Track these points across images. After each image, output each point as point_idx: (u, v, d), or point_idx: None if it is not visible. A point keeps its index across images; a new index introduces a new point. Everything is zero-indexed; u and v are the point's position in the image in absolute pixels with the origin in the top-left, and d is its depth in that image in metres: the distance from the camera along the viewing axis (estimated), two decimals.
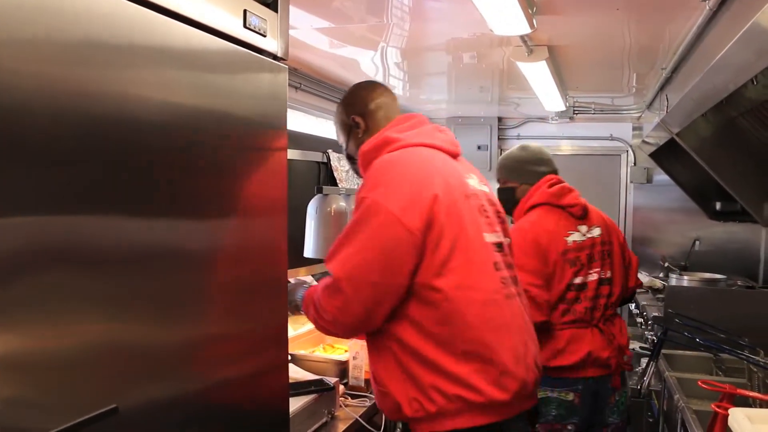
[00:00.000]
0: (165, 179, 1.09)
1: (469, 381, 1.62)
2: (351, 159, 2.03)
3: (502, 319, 1.69)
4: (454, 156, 1.88)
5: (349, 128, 1.97)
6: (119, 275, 0.99)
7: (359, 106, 1.96)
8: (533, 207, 2.60)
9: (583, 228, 2.61)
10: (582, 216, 2.62)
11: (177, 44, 1.11)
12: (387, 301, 1.63)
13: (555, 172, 2.69)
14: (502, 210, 1.95)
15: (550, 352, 2.48)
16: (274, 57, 1.41)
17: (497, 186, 2.70)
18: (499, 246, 1.81)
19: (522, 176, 2.66)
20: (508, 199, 2.63)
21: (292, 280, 1.99)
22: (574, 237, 2.57)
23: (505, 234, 1.90)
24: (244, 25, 1.28)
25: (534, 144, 2.79)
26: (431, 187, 1.66)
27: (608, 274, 2.63)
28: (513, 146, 2.87)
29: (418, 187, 1.65)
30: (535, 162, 2.67)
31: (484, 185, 1.90)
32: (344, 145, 2.02)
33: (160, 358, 1.08)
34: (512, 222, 2.62)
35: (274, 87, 1.41)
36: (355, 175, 2.11)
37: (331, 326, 1.72)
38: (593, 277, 2.58)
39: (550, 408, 2.59)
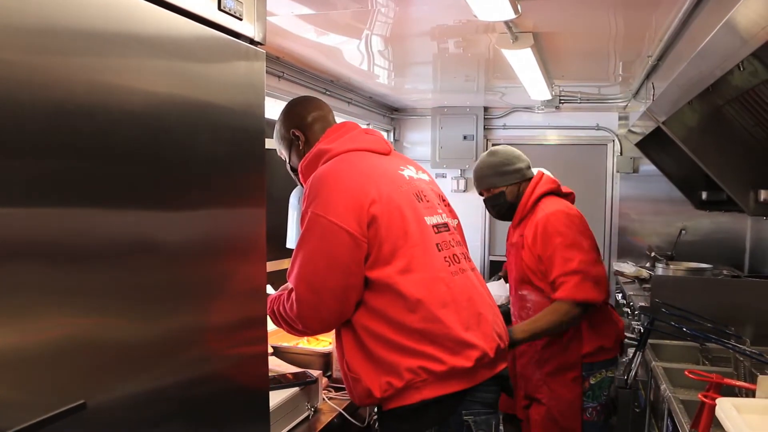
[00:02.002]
0: (137, 170, 1.05)
1: (430, 353, 1.74)
2: (295, 172, 2.11)
3: (450, 295, 1.81)
4: (386, 153, 2.01)
5: (290, 142, 2.08)
6: (89, 268, 0.96)
7: (297, 120, 2.07)
8: (542, 197, 2.69)
9: None
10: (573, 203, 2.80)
11: (147, 27, 1.06)
12: (350, 297, 1.78)
13: (529, 165, 2.80)
14: (443, 194, 2.12)
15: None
16: (251, 42, 1.36)
17: (483, 197, 2.76)
18: (444, 226, 1.95)
19: (505, 178, 2.74)
20: (501, 204, 2.76)
21: None
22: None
23: (451, 215, 2.06)
24: (219, 8, 1.23)
25: (500, 146, 2.88)
26: (364, 189, 1.79)
27: None
28: (482, 153, 3.03)
29: (353, 192, 1.78)
30: (511, 162, 2.75)
31: (423, 173, 2.06)
32: (287, 159, 2.13)
33: (134, 352, 1.05)
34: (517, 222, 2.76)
35: (251, 73, 1.36)
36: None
37: (308, 331, 1.90)
38: None
39: (604, 389, 2.67)
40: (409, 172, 1.99)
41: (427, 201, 1.95)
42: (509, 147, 2.85)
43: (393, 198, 1.83)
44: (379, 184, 1.83)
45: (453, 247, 1.94)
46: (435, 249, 1.85)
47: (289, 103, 2.15)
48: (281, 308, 1.85)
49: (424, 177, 2.05)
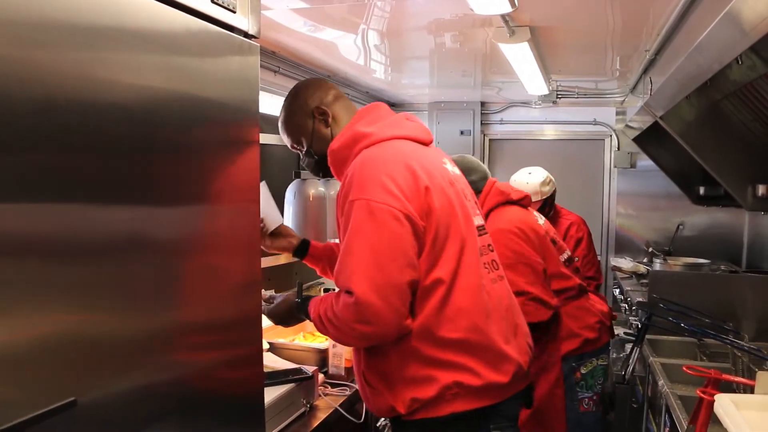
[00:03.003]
0: (128, 165, 1.03)
1: (467, 365, 1.60)
2: (317, 160, 1.89)
3: (491, 303, 1.68)
4: (427, 144, 1.82)
5: (310, 125, 1.85)
6: (82, 264, 0.95)
7: (318, 97, 1.86)
8: (490, 211, 2.55)
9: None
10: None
11: (139, 20, 1.04)
12: (409, 297, 1.58)
13: (486, 176, 2.64)
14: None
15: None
16: (245, 35, 1.35)
17: None
18: (483, 228, 1.80)
19: None
20: None
21: (272, 297, 1.99)
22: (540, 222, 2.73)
23: (483, 217, 1.89)
24: (212, 0, 1.22)
25: (465, 156, 2.69)
26: (420, 179, 1.62)
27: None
28: (478, 148, 2.93)
29: (408, 181, 1.60)
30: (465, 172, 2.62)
31: (457, 170, 1.87)
32: (306, 147, 1.88)
33: (126, 349, 1.04)
34: None
35: (245, 67, 1.34)
36: (324, 178, 2.02)
37: (365, 342, 1.65)
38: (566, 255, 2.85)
39: (597, 377, 2.67)
40: (450, 167, 1.82)
41: (468, 200, 1.79)
42: (470, 157, 2.71)
43: (445, 192, 1.67)
44: (432, 176, 1.66)
45: (491, 252, 1.81)
46: (479, 253, 1.71)
47: (299, 85, 1.93)
48: (330, 313, 1.61)
49: (458, 172, 1.87)
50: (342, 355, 2.33)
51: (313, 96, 1.85)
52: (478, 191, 2.55)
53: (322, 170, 1.91)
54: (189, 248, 1.18)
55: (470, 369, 1.61)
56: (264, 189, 1.91)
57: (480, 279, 1.67)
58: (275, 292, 3.21)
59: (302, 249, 2.18)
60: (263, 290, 1.86)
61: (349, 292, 1.54)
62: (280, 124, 1.92)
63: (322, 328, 1.66)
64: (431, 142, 1.85)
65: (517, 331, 1.75)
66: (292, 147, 1.93)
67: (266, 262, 2.91)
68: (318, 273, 2.24)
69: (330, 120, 1.83)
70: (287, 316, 1.88)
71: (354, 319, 1.54)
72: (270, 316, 1.91)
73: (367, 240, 1.55)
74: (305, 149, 1.88)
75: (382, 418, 1.93)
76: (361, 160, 1.65)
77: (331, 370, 2.35)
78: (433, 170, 1.69)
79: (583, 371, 2.73)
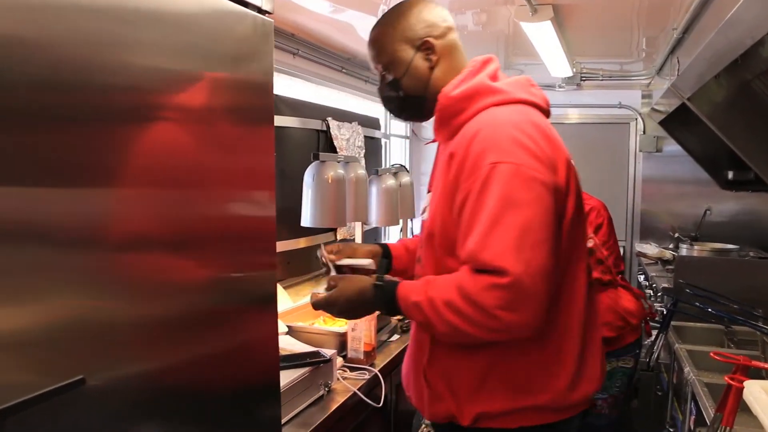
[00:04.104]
0: (137, 148, 1.01)
1: (561, 376, 1.43)
2: (401, 97, 1.59)
3: (590, 308, 1.50)
4: (547, 116, 1.56)
5: (409, 56, 1.55)
6: (98, 250, 0.93)
7: (429, 28, 1.55)
8: None
9: None
10: None
11: None
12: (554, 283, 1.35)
13: None
14: None
15: None
16: (259, 10, 1.31)
17: None
18: None
19: None
20: None
21: (339, 265, 1.68)
22: None
23: None
24: None
25: None
26: (562, 151, 1.43)
27: None
28: None
29: (553, 151, 1.40)
30: None
31: None
32: (393, 77, 1.58)
33: (140, 332, 1.02)
34: None
35: (258, 44, 1.30)
36: (397, 118, 1.72)
37: (494, 336, 1.35)
38: None
39: (615, 380, 2.58)
40: None
41: None
42: None
43: (574, 171, 1.47)
44: (567, 153, 1.46)
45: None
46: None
47: (405, 2, 1.60)
48: (457, 296, 1.32)
49: None
50: (361, 339, 2.30)
51: (424, 22, 1.56)
52: None
53: (402, 110, 1.64)
54: (203, 232, 1.16)
55: (565, 378, 1.45)
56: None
57: (585, 282, 1.49)
58: (289, 276, 3.21)
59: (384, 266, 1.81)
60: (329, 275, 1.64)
61: (496, 272, 1.28)
62: (371, 36, 1.62)
63: (432, 315, 1.37)
64: (550, 114, 1.58)
65: (599, 343, 1.56)
66: (376, 65, 1.62)
67: (284, 246, 2.89)
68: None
69: (435, 59, 1.56)
70: (359, 304, 1.53)
71: (499, 304, 1.28)
72: (329, 307, 1.56)
73: (521, 213, 1.30)
74: (391, 79, 1.59)
75: (423, 425, 1.77)
76: (496, 119, 1.41)
77: (350, 354, 2.33)
78: (563, 145, 1.47)
79: (608, 368, 2.64)
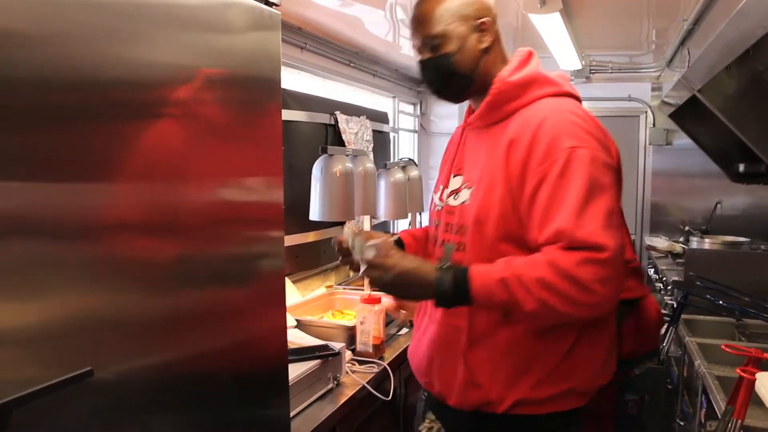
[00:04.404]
0: (143, 141, 1.01)
1: (593, 369, 1.50)
2: (448, 71, 1.54)
3: None
4: None
5: (465, 33, 1.52)
6: (102, 242, 0.94)
7: (486, 8, 1.55)
8: None
9: None
10: None
11: None
12: None
13: None
14: None
15: None
16: (266, 2, 1.30)
17: None
18: None
19: None
20: None
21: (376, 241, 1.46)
22: None
23: None
24: None
25: None
26: (614, 147, 1.51)
27: None
28: None
29: (607, 140, 1.47)
30: None
31: None
32: (444, 50, 1.53)
33: (148, 324, 1.03)
34: None
35: (266, 37, 1.30)
36: (436, 94, 1.63)
37: (585, 312, 1.36)
38: None
39: (646, 381, 2.55)
40: None
41: None
42: None
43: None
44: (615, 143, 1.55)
45: None
46: None
47: None
48: (551, 271, 1.32)
49: None
50: (370, 332, 2.30)
51: (479, 3, 1.55)
52: None
53: (447, 86, 1.60)
54: (211, 225, 1.16)
55: (600, 371, 1.53)
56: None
57: None
58: (296, 271, 3.20)
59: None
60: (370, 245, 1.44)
61: (594, 248, 1.31)
62: (422, 8, 1.56)
63: (520, 293, 1.33)
64: None
65: None
66: (426, 36, 1.54)
67: (292, 240, 2.89)
68: None
69: (489, 42, 1.55)
70: (415, 279, 1.41)
71: (596, 278, 1.30)
72: (383, 270, 1.42)
73: (605, 196, 1.36)
74: (441, 52, 1.53)
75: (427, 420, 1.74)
76: (560, 108, 1.46)
77: (359, 347, 2.32)
78: None
79: (636, 372, 2.62)
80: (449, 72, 1.54)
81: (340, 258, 1.71)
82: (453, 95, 1.63)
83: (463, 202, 1.55)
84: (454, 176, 1.63)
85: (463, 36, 1.52)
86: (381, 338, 2.34)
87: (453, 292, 1.38)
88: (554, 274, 1.31)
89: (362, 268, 1.47)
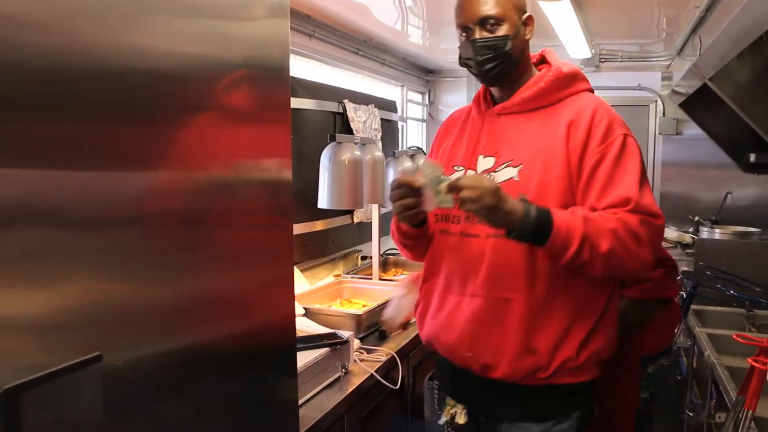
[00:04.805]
0: (153, 131, 1.00)
1: (614, 339, 1.72)
2: (501, 53, 1.63)
3: None
4: None
5: (518, 21, 1.64)
6: (119, 231, 0.93)
7: (525, 5, 1.70)
8: None
9: None
10: None
11: None
12: None
13: None
14: None
15: None
16: None
17: None
18: None
19: None
20: None
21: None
22: None
23: None
24: None
25: None
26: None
27: None
28: None
29: None
30: None
31: None
32: (503, 32, 1.62)
33: (159, 311, 1.02)
34: None
35: (274, 25, 1.28)
36: (486, 72, 1.67)
37: (641, 267, 1.60)
38: None
39: (659, 378, 2.53)
40: None
41: None
42: None
43: None
44: None
45: None
46: None
47: None
48: (625, 230, 1.51)
49: None
50: (408, 308, 2.27)
51: (525, 0, 1.70)
52: None
53: (502, 65, 1.66)
54: (220, 212, 1.15)
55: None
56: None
57: None
58: (306, 259, 3.20)
59: None
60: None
61: (652, 215, 1.56)
62: None
63: (596, 232, 1.49)
64: None
65: None
66: (486, 16, 1.63)
67: (301, 228, 2.89)
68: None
69: (530, 35, 1.70)
70: (502, 200, 1.47)
71: (650, 238, 1.55)
72: (477, 185, 1.47)
73: (647, 179, 1.63)
74: (500, 33, 1.63)
75: (445, 416, 1.75)
76: (602, 101, 1.70)
77: (388, 314, 2.31)
78: None
79: (650, 371, 2.60)
80: (505, 54, 1.64)
81: (399, 207, 1.63)
82: (502, 76, 1.69)
83: (509, 178, 1.63)
84: (485, 157, 1.70)
85: (518, 24, 1.65)
86: (409, 319, 2.34)
87: (536, 222, 1.49)
88: (622, 228, 1.52)
89: (433, 205, 1.56)
